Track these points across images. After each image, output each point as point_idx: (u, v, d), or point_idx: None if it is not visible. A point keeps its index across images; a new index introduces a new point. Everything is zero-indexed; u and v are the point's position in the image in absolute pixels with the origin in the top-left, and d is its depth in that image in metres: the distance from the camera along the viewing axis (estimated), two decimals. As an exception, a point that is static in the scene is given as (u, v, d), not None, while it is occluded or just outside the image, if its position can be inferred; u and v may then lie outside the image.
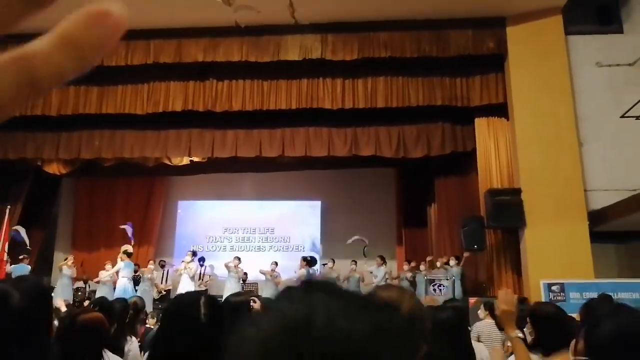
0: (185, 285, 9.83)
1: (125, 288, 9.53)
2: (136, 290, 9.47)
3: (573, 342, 1.33)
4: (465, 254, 8.85)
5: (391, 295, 1.26)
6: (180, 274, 10.33)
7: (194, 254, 10.70)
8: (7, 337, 1.23)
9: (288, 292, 0.53)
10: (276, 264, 10.30)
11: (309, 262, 10.23)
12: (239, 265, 10.25)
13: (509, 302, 2.05)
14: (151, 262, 10.72)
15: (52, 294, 9.10)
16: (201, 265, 10.94)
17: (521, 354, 1.38)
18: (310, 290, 0.52)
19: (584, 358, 1.21)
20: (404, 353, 0.49)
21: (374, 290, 1.34)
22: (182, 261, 10.76)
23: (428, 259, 9.84)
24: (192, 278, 10.16)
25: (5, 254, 9.68)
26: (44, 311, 1.36)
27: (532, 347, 2.58)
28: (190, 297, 1.36)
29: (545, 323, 2.35)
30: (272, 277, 10.01)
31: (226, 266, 10.25)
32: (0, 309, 1.26)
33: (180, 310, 1.33)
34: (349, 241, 10.66)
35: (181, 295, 1.64)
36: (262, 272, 10.28)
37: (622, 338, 1.16)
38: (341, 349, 0.45)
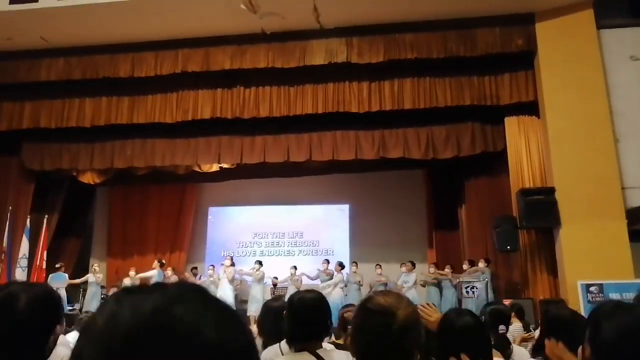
0: (225, 288, 10.01)
1: None
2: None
3: (580, 349, 1.29)
4: (481, 264, 8.81)
5: (388, 301, 1.28)
6: (214, 279, 10.51)
7: (232, 259, 10.93)
8: (7, 339, 1.25)
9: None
10: (295, 268, 10.51)
11: (343, 266, 10.36)
12: (259, 270, 10.50)
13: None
14: (170, 269, 11.00)
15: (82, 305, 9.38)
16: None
17: None
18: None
19: None
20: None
21: (372, 295, 1.35)
22: (210, 266, 11.21)
23: (447, 269, 9.82)
24: (231, 282, 10.35)
25: (44, 262, 9.97)
26: (49, 318, 1.37)
27: (537, 350, 2.42)
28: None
29: (555, 327, 2.17)
30: (293, 281, 10.20)
31: (247, 273, 10.63)
32: (6, 311, 1.29)
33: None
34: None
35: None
36: (274, 282, 10.94)
37: (626, 338, 1.13)
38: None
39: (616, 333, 1.15)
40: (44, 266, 9.88)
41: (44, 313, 1.35)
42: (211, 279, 10.53)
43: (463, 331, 1.74)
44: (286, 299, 2.34)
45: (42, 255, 9.93)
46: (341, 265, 10.29)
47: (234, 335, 0.54)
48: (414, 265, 10.14)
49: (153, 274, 10.30)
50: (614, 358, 1.14)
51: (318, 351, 1.93)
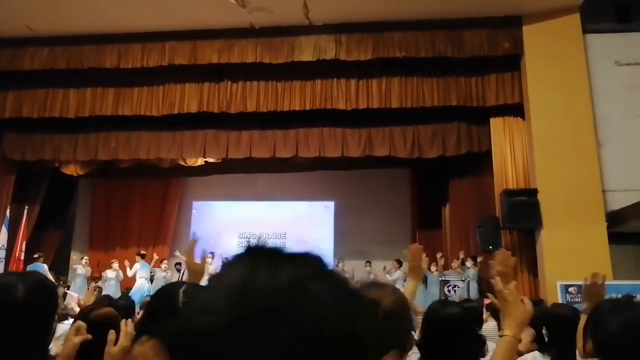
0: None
1: (142, 288, 9.68)
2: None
3: (580, 344, 1.34)
4: (479, 258, 8.79)
5: (372, 294, 1.30)
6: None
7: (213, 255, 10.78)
8: (9, 327, 1.25)
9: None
10: None
11: None
12: None
13: (506, 264, 1.82)
14: (165, 261, 10.90)
15: (68, 291, 9.27)
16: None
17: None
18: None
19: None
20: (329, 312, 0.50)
21: (361, 288, 1.36)
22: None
23: (439, 255, 9.78)
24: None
25: (23, 254, 9.83)
26: (47, 305, 1.39)
27: (544, 348, 2.53)
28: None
29: (559, 325, 2.32)
30: None
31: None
32: (5, 300, 1.29)
33: None
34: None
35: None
36: None
37: (630, 332, 1.19)
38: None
39: (620, 328, 1.21)
40: (23, 257, 9.74)
41: (42, 301, 1.36)
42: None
43: (448, 320, 1.74)
44: None
45: (21, 247, 9.79)
46: None
47: (362, 321, 0.53)
48: (400, 263, 10.23)
49: (137, 269, 10.24)
50: (618, 351, 1.20)
51: None
